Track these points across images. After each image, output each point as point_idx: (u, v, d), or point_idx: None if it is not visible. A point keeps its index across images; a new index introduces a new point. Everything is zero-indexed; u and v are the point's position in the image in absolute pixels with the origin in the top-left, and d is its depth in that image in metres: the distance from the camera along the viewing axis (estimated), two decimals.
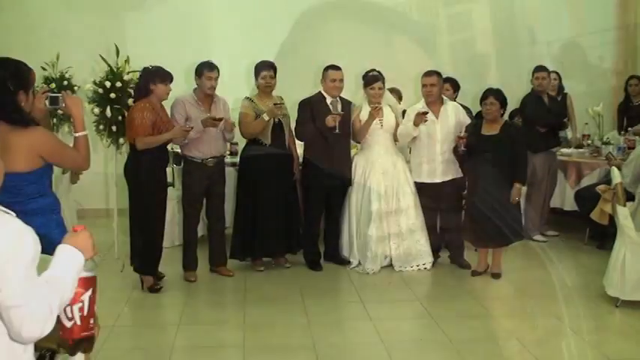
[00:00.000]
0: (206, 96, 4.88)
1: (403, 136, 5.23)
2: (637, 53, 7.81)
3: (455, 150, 5.11)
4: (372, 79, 5.19)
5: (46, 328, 1.75)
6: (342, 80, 5.18)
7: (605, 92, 7.62)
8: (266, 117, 4.94)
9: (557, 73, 6.71)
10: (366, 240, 5.19)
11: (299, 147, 5.41)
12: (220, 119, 4.78)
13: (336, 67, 5.22)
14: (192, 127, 4.65)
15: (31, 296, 1.72)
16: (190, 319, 4.25)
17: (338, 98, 5.23)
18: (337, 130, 5.09)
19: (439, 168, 5.22)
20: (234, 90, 5.48)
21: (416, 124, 5.07)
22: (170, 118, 4.69)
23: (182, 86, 5.81)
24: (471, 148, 4.96)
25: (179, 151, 5.11)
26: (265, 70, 5.05)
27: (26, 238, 1.75)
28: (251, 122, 5.00)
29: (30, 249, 1.75)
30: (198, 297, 4.74)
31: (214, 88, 4.86)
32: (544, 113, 6.14)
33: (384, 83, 5.20)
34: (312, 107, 5.16)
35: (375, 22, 7.46)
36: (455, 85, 5.90)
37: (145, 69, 4.62)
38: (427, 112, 5.07)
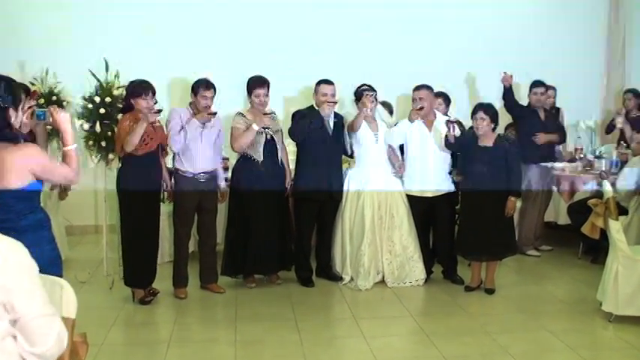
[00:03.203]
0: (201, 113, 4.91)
1: (393, 133, 5.23)
2: (626, 65, 7.92)
3: (446, 139, 5.13)
4: (359, 93, 5.25)
5: (65, 342, 1.78)
6: (334, 95, 5.20)
7: (595, 105, 7.73)
8: (255, 127, 4.95)
9: (554, 88, 6.77)
10: (359, 256, 5.21)
11: (291, 163, 5.45)
12: (215, 113, 4.82)
13: (329, 82, 5.23)
14: (161, 109, 4.68)
15: (52, 307, 1.75)
16: (181, 337, 4.24)
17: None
18: (332, 124, 5.13)
19: (432, 181, 5.25)
20: (226, 104, 5.49)
21: (411, 119, 5.13)
22: (157, 130, 4.69)
23: (176, 101, 5.87)
24: (462, 143, 5.03)
25: (170, 166, 5.13)
26: (259, 87, 5.05)
27: (26, 251, 1.79)
28: (241, 134, 5.01)
29: (34, 262, 1.79)
30: (189, 314, 4.73)
31: (209, 107, 4.87)
32: (539, 128, 6.21)
33: (375, 97, 5.25)
34: (304, 117, 5.18)
35: (371, 34, 7.55)
36: (447, 100, 5.96)
37: (129, 83, 4.70)
38: (422, 108, 5.11)
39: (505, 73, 5.99)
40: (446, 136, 5.09)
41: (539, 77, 6.33)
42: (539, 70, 6.83)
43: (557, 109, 6.87)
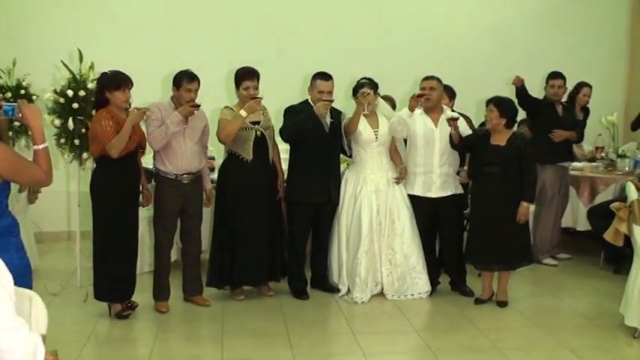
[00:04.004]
0: None
1: (394, 124, 5.23)
2: None
3: (450, 139, 5.16)
4: (357, 86, 5.26)
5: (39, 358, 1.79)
6: (331, 92, 5.20)
7: (618, 100, 7.79)
8: (244, 113, 4.93)
9: (589, 86, 6.75)
10: (355, 265, 5.23)
11: (283, 162, 5.46)
12: (198, 105, 4.83)
13: (327, 77, 5.23)
14: (147, 108, 4.70)
15: (19, 320, 1.76)
16: (162, 355, 4.25)
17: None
18: (329, 119, 5.16)
19: (437, 181, 5.27)
20: (212, 99, 5.51)
21: (410, 107, 5.16)
22: (136, 128, 4.68)
23: (157, 95, 5.88)
24: (470, 142, 5.09)
25: (150, 166, 5.13)
26: (248, 79, 5.07)
27: None
28: (228, 122, 4.99)
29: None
30: (171, 330, 4.74)
31: (194, 101, 4.87)
32: (556, 124, 6.23)
33: (373, 89, 5.24)
34: (298, 114, 5.17)
35: (371, 25, 7.59)
36: (451, 94, 5.97)
37: (102, 75, 4.68)
38: (423, 95, 5.14)
39: (517, 77, 6.02)
40: (450, 135, 5.12)
41: (555, 69, 6.36)
42: (555, 61, 6.89)
43: (588, 110, 6.85)
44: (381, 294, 5.29)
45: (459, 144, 5.12)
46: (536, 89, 6.54)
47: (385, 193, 5.28)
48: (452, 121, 5.06)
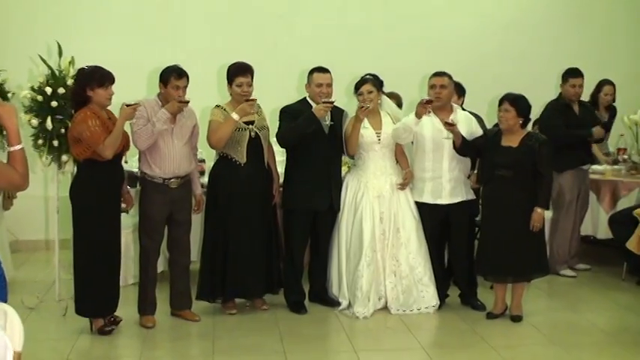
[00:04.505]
0: None
1: (398, 130, 5.21)
2: None
3: (453, 144, 5.16)
4: (359, 82, 5.27)
5: None
6: (330, 85, 5.24)
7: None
8: (235, 116, 4.95)
9: (612, 84, 6.76)
10: (356, 277, 5.22)
11: (279, 165, 5.47)
12: (187, 101, 4.83)
13: (324, 70, 5.27)
14: (139, 104, 4.69)
15: None
16: None
17: None
18: (330, 121, 5.18)
19: (446, 187, 5.26)
20: (203, 97, 5.52)
21: (418, 115, 5.11)
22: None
23: (143, 92, 5.88)
24: (478, 145, 5.10)
25: (135, 170, 5.13)
26: (241, 75, 5.08)
27: None
28: (220, 125, 5.01)
29: None
30: (157, 347, 4.74)
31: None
32: (574, 126, 6.20)
33: (377, 87, 5.25)
34: (295, 116, 5.19)
35: (375, 16, 7.61)
36: (460, 91, 5.95)
37: (80, 71, 4.68)
38: (432, 102, 5.10)
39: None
40: (453, 141, 5.13)
41: (573, 65, 6.35)
42: (573, 56, 6.90)
43: (614, 109, 6.84)
44: (385, 308, 5.28)
45: (459, 148, 5.12)
46: (551, 87, 6.56)
47: (389, 199, 5.27)
48: (448, 125, 5.05)
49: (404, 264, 5.26)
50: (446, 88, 5.23)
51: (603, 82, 6.67)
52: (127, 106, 4.60)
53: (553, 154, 5.06)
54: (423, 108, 5.07)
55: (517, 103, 4.97)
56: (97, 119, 4.51)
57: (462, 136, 5.12)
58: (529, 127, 5.28)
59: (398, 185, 5.29)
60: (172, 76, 4.84)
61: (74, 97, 4.70)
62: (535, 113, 5.66)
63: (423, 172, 5.31)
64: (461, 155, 5.23)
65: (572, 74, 6.22)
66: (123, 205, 4.90)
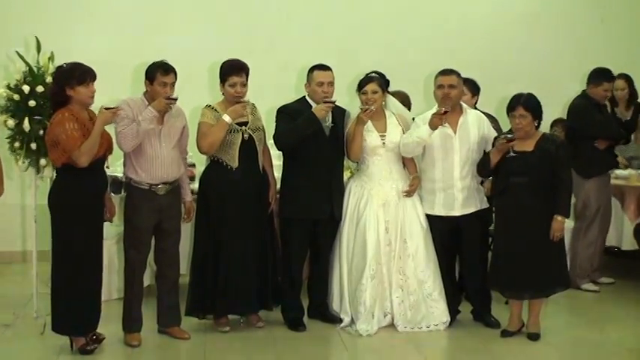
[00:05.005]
0: None
1: (409, 145, 5.19)
2: None
3: (479, 168, 5.16)
4: (363, 80, 5.26)
5: None
6: (331, 84, 5.23)
7: None
8: (227, 118, 4.95)
9: (627, 77, 6.77)
10: (359, 292, 5.20)
11: (276, 169, 5.46)
12: (175, 99, 4.82)
13: (325, 67, 5.26)
14: (119, 107, 4.66)
15: None
16: None
17: None
18: (331, 122, 5.17)
19: (458, 197, 5.25)
20: (193, 96, 5.52)
21: (433, 126, 5.07)
22: (104, 132, 4.66)
23: (127, 90, 5.87)
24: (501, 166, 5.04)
25: (119, 175, 5.12)
26: (235, 74, 5.07)
27: None
28: (211, 129, 5.00)
29: None
30: None
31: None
32: (609, 125, 6.18)
33: (382, 87, 5.25)
34: (294, 116, 5.18)
35: (378, 10, 7.61)
36: (474, 88, 5.94)
37: (58, 69, 4.68)
38: (448, 112, 5.05)
39: None
40: (477, 165, 5.15)
41: (593, 61, 6.34)
42: (593, 53, 6.90)
43: (638, 105, 6.83)
44: (391, 325, 5.26)
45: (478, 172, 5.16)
46: (570, 85, 6.56)
47: (395, 207, 5.26)
48: (441, 115, 5.02)
49: (412, 277, 5.25)
50: (455, 88, 5.20)
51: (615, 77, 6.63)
52: (106, 109, 4.57)
53: (571, 156, 5.05)
54: (438, 119, 5.04)
55: (532, 105, 4.94)
56: (75, 122, 4.48)
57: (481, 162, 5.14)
58: (544, 126, 5.25)
59: (404, 193, 5.28)
60: (159, 72, 4.84)
61: (53, 98, 4.68)
62: (549, 113, 5.62)
63: (432, 182, 5.30)
64: (482, 177, 5.23)
65: (608, 78, 6.21)
66: (105, 214, 4.88)
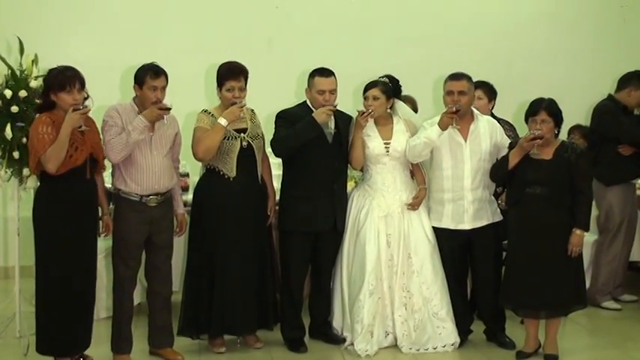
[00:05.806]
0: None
1: (416, 147, 5.18)
2: None
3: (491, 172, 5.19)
4: (368, 85, 5.28)
5: None
6: (333, 91, 5.22)
7: None
8: (223, 121, 4.95)
9: None
10: (356, 308, 5.19)
11: (275, 179, 5.47)
12: (169, 108, 4.82)
13: (327, 73, 5.24)
14: (87, 107, 4.59)
15: None
16: None
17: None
18: (334, 128, 5.20)
19: (469, 210, 5.24)
20: (187, 101, 5.53)
21: (443, 126, 5.08)
22: (86, 136, 4.64)
23: (116, 95, 5.89)
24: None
25: (108, 186, 5.14)
26: (233, 79, 5.08)
27: None
28: (207, 134, 5.01)
29: None
30: None
31: (161, 102, 4.86)
32: (636, 129, 6.19)
33: (387, 93, 5.25)
34: (294, 121, 5.18)
35: (385, 9, 7.65)
36: (490, 93, 5.96)
37: (49, 72, 4.68)
38: (459, 111, 5.06)
39: None
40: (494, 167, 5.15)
41: (614, 65, 6.35)
42: (613, 55, 6.90)
43: None
44: (395, 346, 5.26)
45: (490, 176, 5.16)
46: (589, 89, 6.57)
47: (398, 219, 5.26)
48: (452, 113, 5.04)
49: (416, 295, 5.23)
50: (466, 95, 5.17)
51: None
52: (74, 110, 4.51)
53: (592, 163, 5.05)
54: (449, 118, 5.04)
55: (555, 111, 4.94)
56: (50, 126, 4.48)
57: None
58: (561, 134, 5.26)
59: (407, 205, 5.28)
60: (148, 76, 4.85)
61: (41, 102, 4.72)
62: (566, 120, 5.63)
63: (441, 193, 5.29)
64: (495, 182, 5.24)
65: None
66: (101, 229, 4.89)
